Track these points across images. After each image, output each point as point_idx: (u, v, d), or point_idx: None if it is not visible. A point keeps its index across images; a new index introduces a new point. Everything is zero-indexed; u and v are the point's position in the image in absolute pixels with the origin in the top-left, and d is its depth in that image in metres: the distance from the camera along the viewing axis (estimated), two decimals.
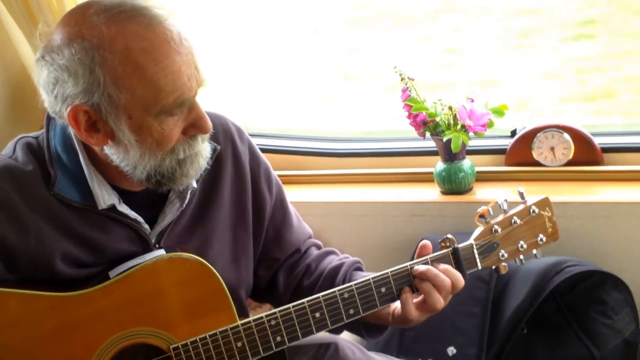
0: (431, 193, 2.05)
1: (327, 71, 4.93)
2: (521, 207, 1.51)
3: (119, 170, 1.34)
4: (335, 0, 5.54)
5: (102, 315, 1.33)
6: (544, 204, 1.52)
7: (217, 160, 1.49)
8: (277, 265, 1.63)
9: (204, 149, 1.38)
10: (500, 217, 1.50)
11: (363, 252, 2.05)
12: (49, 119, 1.41)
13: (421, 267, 1.42)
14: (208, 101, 1.42)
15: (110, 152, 1.31)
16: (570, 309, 1.83)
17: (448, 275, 1.42)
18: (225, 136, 1.53)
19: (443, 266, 1.43)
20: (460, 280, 1.43)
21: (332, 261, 1.63)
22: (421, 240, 1.93)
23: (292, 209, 1.67)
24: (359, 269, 1.62)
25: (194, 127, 1.32)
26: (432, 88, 4.27)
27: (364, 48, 5.06)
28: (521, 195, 1.51)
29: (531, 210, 1.51)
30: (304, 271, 1.62)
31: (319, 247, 1.70)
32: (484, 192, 2.02)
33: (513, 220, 1.49)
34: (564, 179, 2.00)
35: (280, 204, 1.62)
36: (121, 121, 1.26)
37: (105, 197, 1.36)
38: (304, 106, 4.65)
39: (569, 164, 2.01)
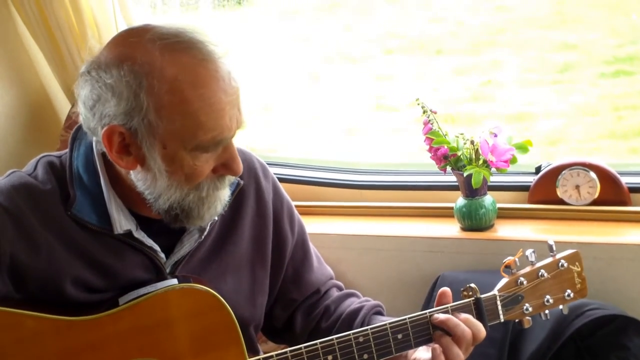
0: (450, 229, 2.01)
1: (360, 100, 4.94)
2: (550, 259, 1.47)
3: (141, 197, 1.33)
4: (372, 29, 5.56)
5: (108, 342, 1.31)
6: (574, 258, 1.49)
7: (239, 195, 1.48)
8: (295, 306, 1.60)
9: (224, 195, 1.36)
10: (527, 269, 1.46)
11: (379, 286, 2.03)
12: (74, 139, 1.41)
13: (441, 316, 1.38)
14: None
15: (137, 177, 1.31)
16: (590, 354, 1.76)
17: (469, 325, 1.37)
18: (249, 172, 1.52)
19: (464, 316, 1.39)
20: (482, 332, 1.39)
21: (352, 304, 1.59)
22: (438, 277, 1.92)
23: (314, 250, 1.65)
24: (380, 312, 1.58)
25: (224, 167, 1.31)
26: (468, 120, 4.24)
27: (398, 78, 5.05)
28: (550, 247, 1.48)
29: (560, 264, 1.47)
30: (323, 313, 1.59)
31: (340, 289, 1.67)
32: (505, 230, 1.97)
33: (540, 273, 1.45)
34: (589, 219, 1.94)
35: (302, 244, 1.61)
36: (155, 149, 1.25)
37: (123, 222, 1.35)
38: (334, 135, 4.65)
39: (594, 203, 1.95)
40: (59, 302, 1.34)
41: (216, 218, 1.43)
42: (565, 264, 1.46)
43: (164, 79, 1.22)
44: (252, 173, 1.53)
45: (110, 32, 2.09)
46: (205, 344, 1.34)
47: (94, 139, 1.35)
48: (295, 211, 1.62)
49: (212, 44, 1.27)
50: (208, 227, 1.43)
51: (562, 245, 1.50)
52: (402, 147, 4.26)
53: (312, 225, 2.10)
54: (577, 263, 1.48)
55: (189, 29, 1.27)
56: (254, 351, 1.54)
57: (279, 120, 4.83)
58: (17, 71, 2.12)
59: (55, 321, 1.30)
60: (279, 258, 1.56)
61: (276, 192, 1.57)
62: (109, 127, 1.25)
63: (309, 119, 4.84)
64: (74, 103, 2.16)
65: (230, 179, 1.36)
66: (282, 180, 2.06)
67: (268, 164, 1.62)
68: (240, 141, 1.43)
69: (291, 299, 1.60)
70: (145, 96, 1.22)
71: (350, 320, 1.55)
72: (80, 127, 1.41)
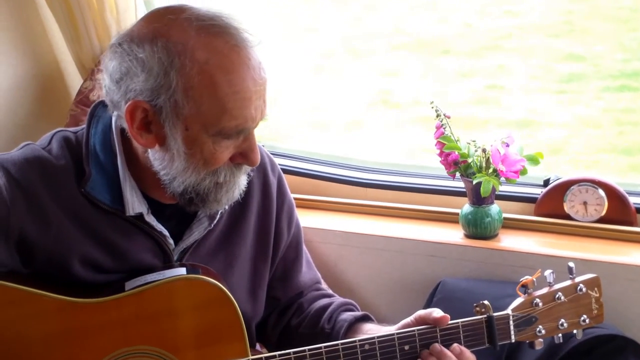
0: (454, 235, 1.99)
1: (362, 94, 4.92)
2: (568, 282, 1.45)
3: (156, 179, 1.31)
4: (379, 25, 5.53)
5: (110, 327, 1.30)
6: (593, 283, 1.46)
7: (247, 187, 1.46)
8: (275, 306, 1.60)
9: (242, 181, 1.36)
10: (544, 291, 1.44)
11: (379, 287, 2.02)
12: (92, 115, 1.39)
13: (437, 347, 1.37)
14: None
15: (154, 157, 1.29)
16: None
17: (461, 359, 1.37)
18: (258, 165, 1.51)
19: (459, 349, 1.38)
20: None
21: (323, 302, 1.59)
22: (439, 282, 1.91)
23: (306, 253, 1.65)
24: (349, 310, 1.57)
25: (242, 156, 1.31)
26: (469, 124, 4.23)
27: (402, 75, 5.04)
28: (570, 270, 1.45)
29: (578, 289, 1.45)
30: (295, 310, 1.59)
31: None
32: (509, 240, 1.95)
33: (557, 296, 1.43)
34: (594, 236, 1.92)
35: (296, 244, 1.61)
36: (177, 130, 1.24)
37: (135, 204, 1.34)
38: (335, 127, 4.64)
39: (600, 220, 1.94)
40: (65, 281, 1.33)
41: (226, 207, 1.42)
42: (584, 289, 1.44)
43: (196, 60, 1.21)
44: (260, 166, 1.52)
45: (128, 9, 2.07)
46: (208, 337, 1.33)
47: (114, 115, 1.34)
48: (295, 212, 1.61)
49: (247, 32, 1.26)
50: (218, 216, 1.42)
51: (565, 260, 1.49)
52: (402, 144, 4.25)
53: (314, 220, 2.10)
54: (596, 289, 1.46)
55: (226, 14, 1.26)
56: (252, 348, 1.53)
57: (281, 110, 4.82)
58: (30, 42, 2.08)
59: (59, 301, 1.29)
60: (273, 254, 1.55)
61: (280, 188, 1.57)
62: (134, 101, 1.24)
63: (311, 110, 4.82)
64: (85, 78, 2.13)
65: (247, 168, 1.35)
66: (285, 171, 2.04)
67: (272, 154, 1.62)
68: None
69: (274, 297, 1.59)
70: (175, 75, 1.21)
71: (318, 315, 1.55)
72: (98, 104, 1.39)
